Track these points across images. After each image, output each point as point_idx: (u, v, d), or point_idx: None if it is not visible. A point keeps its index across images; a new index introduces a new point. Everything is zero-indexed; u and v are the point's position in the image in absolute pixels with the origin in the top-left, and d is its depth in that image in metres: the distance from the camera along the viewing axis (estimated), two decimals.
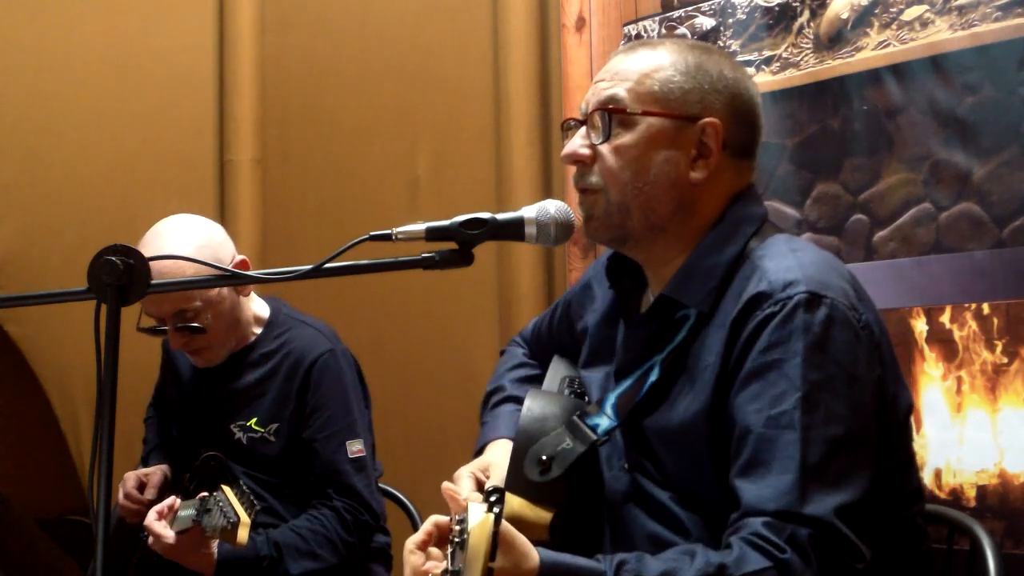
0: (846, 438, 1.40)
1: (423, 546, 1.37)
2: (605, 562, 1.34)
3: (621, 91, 1.58)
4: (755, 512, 1.37)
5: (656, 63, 1.60)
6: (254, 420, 2.39)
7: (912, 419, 1.59)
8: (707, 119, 1.57)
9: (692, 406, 1.50)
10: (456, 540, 1.23)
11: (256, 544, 2.23)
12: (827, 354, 1.43)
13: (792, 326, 1.43)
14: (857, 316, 1.47)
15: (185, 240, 2.27)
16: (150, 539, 2.17)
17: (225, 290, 2.32)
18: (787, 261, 1.51)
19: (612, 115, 1.57)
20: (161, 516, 2.17)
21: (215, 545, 2.18)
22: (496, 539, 1.18)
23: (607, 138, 1.57)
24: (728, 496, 1.42)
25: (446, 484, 1.48)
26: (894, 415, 1.52)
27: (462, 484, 1.67)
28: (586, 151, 1.60)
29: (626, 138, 1.57)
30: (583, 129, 1.61)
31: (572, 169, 1.65)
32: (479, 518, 1.20)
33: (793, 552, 1.32)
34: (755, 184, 1.66)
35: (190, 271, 2.10)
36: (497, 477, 1.68)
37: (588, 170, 1.60)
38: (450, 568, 1.22)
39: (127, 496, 2.39)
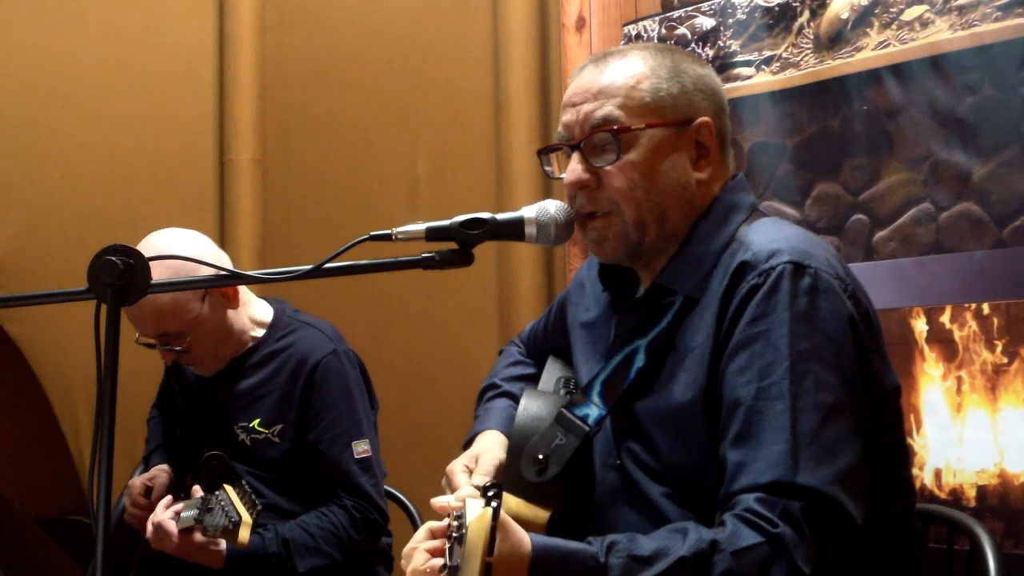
0: (836, 406, 1.41)
1: (434, 552, 1.36)
2: (596, 543, 1.34)
3: (615, 110, 1.56)
4: (748, 487, 1.37)
5: (635, 72, 1.59)
6: (257, 421, 2.39)
7: (904, 408, 1.58)
8: (701, 119, 1.59)
9: (689, 388, 1.51)
10: (454, 535, 1.23)
11: (265, 541, 2.24)
12: (813, 323, 1.43)
13: (777, 296, 1.44)
14: (844, 284, 1.48)
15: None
16: (150, 536, 2.17)
17: (206, 310, 2.30)
18: (771, 234, 1.52)
19: (618, 135, 1.55)
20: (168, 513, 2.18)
21: (223, 541, 2.18)
22: (494, 534, 1.18)
23: (616, 159, 1.55)
24: (722, 477, 1.43)
25: (435, 501, 1.46)
26: (879, 387, 1.51)
27: (457, 479, 1.67)
28: (588, 175, 1.57)
29: (632, 155, 1.56)
30: (577, 154, 1.59)
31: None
32: (477, 513, 1.20)
33: (786, 525, 1.33)
34: (740, 175, 1.67)
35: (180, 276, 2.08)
36: (485, 464, 1.68)
37: (594, 193, 1.58)
38: (448, 563, 1.22)
39: (135, 504, 2.39)
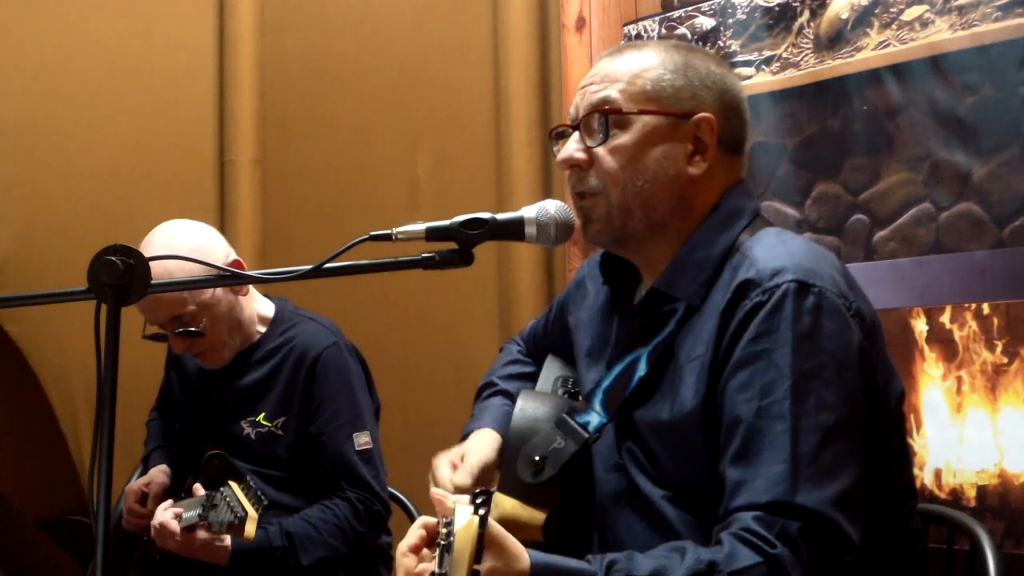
0: (837, 427, 1.40)
1: (416, 549, 1.38)
2: (595, 562, 1.34)
3: (614, 92, 1.59)
4: (746, 506, 1.37)
5: (645, 63, 1.61)
6: (262, 415, 2.40)
7: (905, 410, 1.58)
8: (701, 114, 1.59)
9: (686, 400, 1.50)
10: (443, 543, 1.23)
11: (269, 534, 2.24)
12: (816, 343, 1.43)
13: (781, 315, 1.43)
14: (847, 303, 1.47)
15: (175, 247, 2.26)
16: (154, 536, 2.17)
17: (219, 292, 2.33)
18: (776, 250, 1.51)
19: (608, 116, 1.57)
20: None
21: (228, 537, 2.18)
22: (481, 541, 1.19)
23: (604, 140, 1.57)
24: (721, 489, 1.43)
25: (434, 490, 1.48)
26: (885, 403, 1.52)
27: (440, 472, 1.68)
28: (582, 155, 1.60)
29: (623, 139, 1.57)
30: (576, 134, 1.61)
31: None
32: (465, 520, 1.20)
33: (783, 546, 1.33)
34: (746, 181, 1.67)
35: (181, 274, 2.09)
36: (471, 463, 1.69)
37: (585, 174, 1.60)
38: (437, 571, 1.22)
39: (131, 512, 2.39)
